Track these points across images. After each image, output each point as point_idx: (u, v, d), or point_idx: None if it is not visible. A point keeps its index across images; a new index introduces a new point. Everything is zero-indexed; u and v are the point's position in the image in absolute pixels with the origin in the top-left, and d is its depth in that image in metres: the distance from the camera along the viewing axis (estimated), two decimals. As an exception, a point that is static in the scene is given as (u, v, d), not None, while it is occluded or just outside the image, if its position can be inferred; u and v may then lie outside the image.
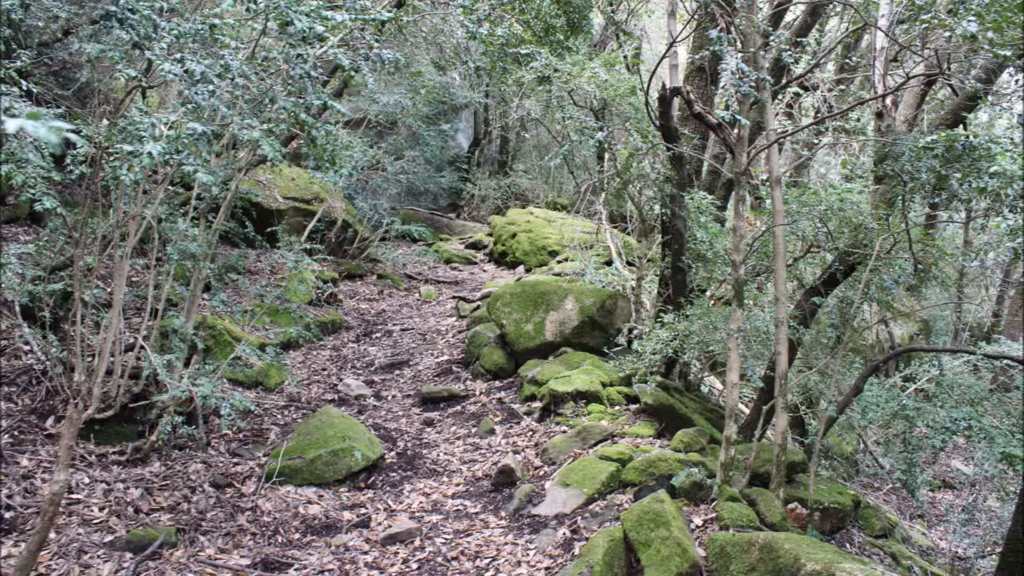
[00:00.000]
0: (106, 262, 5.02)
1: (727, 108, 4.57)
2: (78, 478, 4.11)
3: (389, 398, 6.71)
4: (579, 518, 4.34)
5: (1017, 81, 6.02)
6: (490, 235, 13.91)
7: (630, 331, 6.89)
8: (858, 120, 9.08)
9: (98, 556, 3.55)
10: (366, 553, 4.07)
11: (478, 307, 8.89)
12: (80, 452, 4.34)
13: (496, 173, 17.39)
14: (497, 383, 6.90)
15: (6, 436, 4.21)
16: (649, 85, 5.24)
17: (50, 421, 4.50)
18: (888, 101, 5.50)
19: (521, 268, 11.95)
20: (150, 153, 3.02)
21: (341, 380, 6.92)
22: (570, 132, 7.51)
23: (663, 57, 5.57)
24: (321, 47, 4.13)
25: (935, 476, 8.70)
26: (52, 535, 3.54)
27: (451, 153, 15.55)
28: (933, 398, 6.13)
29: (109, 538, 3.70)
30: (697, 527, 4.08)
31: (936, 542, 6.58)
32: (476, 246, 13.87)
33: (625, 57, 9.62)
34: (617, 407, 5.92)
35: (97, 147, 3.94)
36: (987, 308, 13.35)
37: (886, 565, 4.55)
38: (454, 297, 9.94)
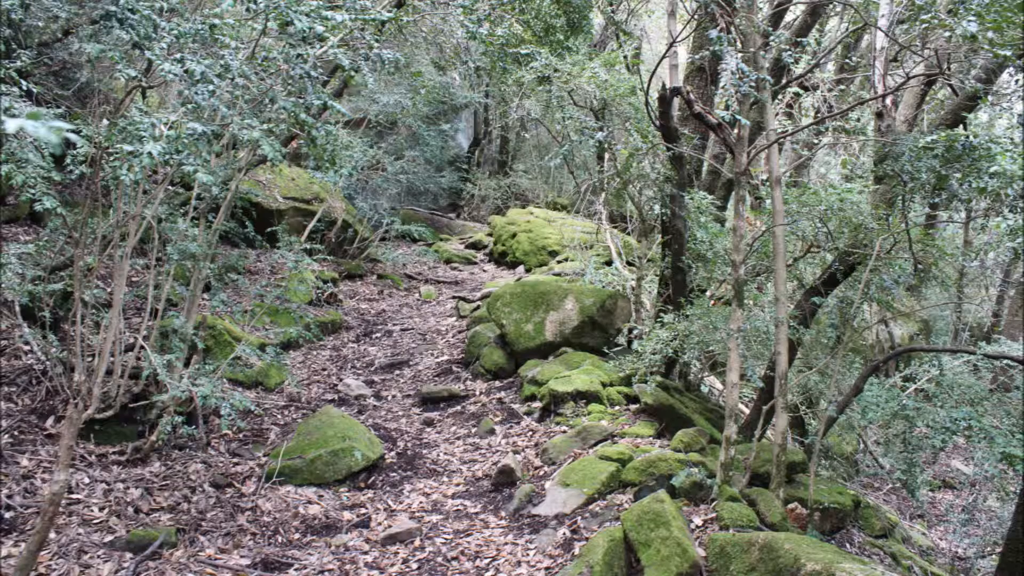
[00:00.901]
0: (106, 262, 5.02)
1: (727, 108, 4.57)
2: (78, 478, 4.11)
3: (389, 398, 6.71)
4: (579, 518, 4.34)
5: (1017, 81, 6.02)
6: (490, 235, 13.91)
7: (630, 331, 6.89)
8: (858, 120, 9.09)
9: (98, 556, 3.55)
10: (366, 553, 4.07)
11: (478, 307, 8.89)
12: (80, 452, 4.34)
13: (496, 173, 17.39)
14: (497, 383, 6.90)
15: (6, 436, 4.21)
16: (649, 85, 5.24)
17: (50, 421, 4.50)
18: (888, 101, 5.50)
19: (521, 268, 11.95)
20: (150, 153, 3.02)
21: (341, 380, 6.92)
22: (570, 132, 7.51)
23: (663, 57, 5.57)
24: (321, 47, 4.13)
25: (935, 476, 8.70)
26: (52, 535, 3.54)
27: (451, 153, 15.55)
28: (933, 398, 6.13)
29: (109, 538, 3.70)
30: (697, 527, 4.08)
31: (936, 542, 6.58)
32: (476, 246, 13.87)
33: (625, 57, 9.62)
34: (617, 407, 5.92)
35: (97, 147, 3.94)
36: (987, 308, 13.35)
37: (886, 565, 4.55)
38: (454, 297, 9.94)
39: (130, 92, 4.60)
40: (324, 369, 7.27)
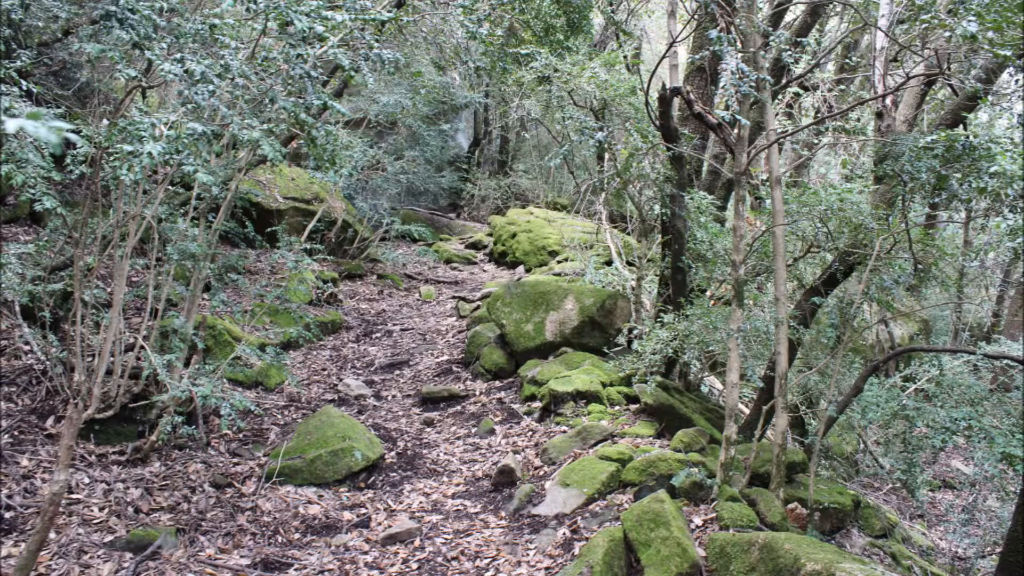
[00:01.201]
0: (106, 262, 5.02)
1: (727, 108, 4.57)
2: (78, 478, 4.11)
3: (389, 398, 6.71)
4: (579, 518, 4.34)
5: (1017, 81, 6.02)
6: (490, 235, 13.91)
7: (630, 331, 6.89)
8: (858, 120, 9.09)
9: (98, 556, 3.55)
10: (366, 553, 4.07)
11: (478, 307, 8.89)
12: (80, 452, 4.34)
13: (496, 173, 17.39)
14: (497, 383, 6.90)
15: (6, 436, 4.21)
16: (649, 85, 5.24)
17: (50, 421, 4.50)
18: (888, 101, 5.50)
19: (521, 268, 11.95)
20: (150, 153, 3.02)
21: (341, 380, 6.92)
22: (570, 132, 7.50)
23: (663, 57, 5.57)
24: (321, 47, 4.12)
25: (935, 476, 8.70)
26: (52, 535, 3.54)
27: (451, 153, 15.56)
28: (933, 398, 6.13)
29: (109, 538, 3.70)
30: (697, 527, 4.08)
31: (936, 542, 6.58)
32: (476, 246, 13.87)
33: (625, 57, 9.63)
34: (617, 407, 5.92)
35: (97, 147, 3.94)
36: (987, 308, 13.36)
37: (886, 565, 4.55)
38: (454, 297, 9.94)
39: (130, 92, 4.60)
40: (324, 369, 7.27)
